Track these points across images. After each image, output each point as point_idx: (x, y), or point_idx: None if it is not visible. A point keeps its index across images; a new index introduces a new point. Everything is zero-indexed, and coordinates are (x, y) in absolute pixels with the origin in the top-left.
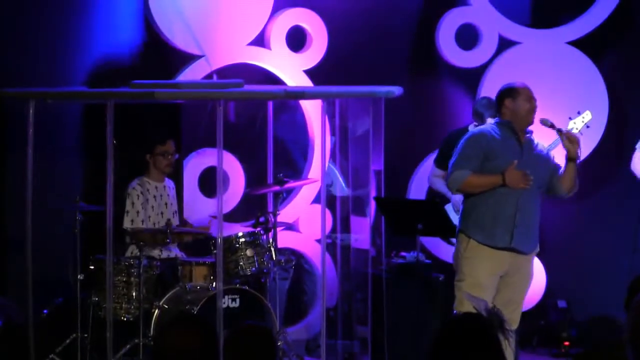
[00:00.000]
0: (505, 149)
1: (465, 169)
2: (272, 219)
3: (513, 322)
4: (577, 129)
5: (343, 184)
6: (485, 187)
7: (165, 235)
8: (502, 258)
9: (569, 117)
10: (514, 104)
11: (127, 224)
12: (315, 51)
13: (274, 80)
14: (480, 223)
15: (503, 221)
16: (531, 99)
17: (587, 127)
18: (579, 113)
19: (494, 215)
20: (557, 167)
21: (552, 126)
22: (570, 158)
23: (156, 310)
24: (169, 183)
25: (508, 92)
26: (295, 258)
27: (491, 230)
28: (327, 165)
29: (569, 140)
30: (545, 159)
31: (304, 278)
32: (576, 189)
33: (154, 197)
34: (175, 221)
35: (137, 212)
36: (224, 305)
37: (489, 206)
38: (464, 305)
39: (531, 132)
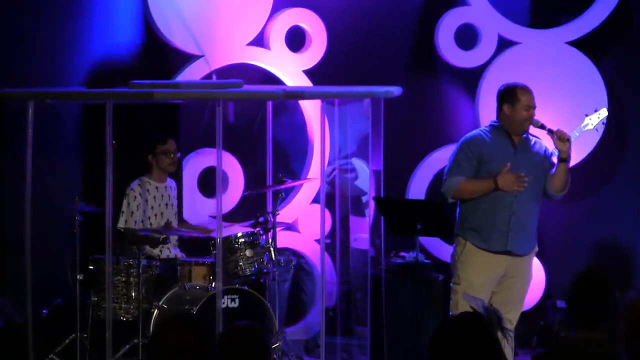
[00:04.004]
0: (498, 152)
1: (458, 175)
2: (272, 219)
3: (510, 322)
4: (592, 124)
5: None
6: (478, 192)
7: (159, 234)
8: (498, 261)
9: (585, 113)
10: (511, 110)
11: (121, 224)
12: (315, 51)
13: (274, 80)
14: (476, 227)
15: (498, 225)
16: (530, 108)
17: (603, 123)
18: (595, 110)
19: (490, 219)
20: (552, 166)
21: (542, 127)
22: (561, 158)
23: (155, 310)
24: (171, 183)
25: (508, 97)
26: (295, 259)
27: (487, 235)
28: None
29: (560, 140)
30: (542, 158)
31: (303, 278)
32: (567, 190)
33: (154, 197)
34: (175, 222)
35: (132, 212)
36: (224, 306)
37: (484, 210)
38: (459, 308)
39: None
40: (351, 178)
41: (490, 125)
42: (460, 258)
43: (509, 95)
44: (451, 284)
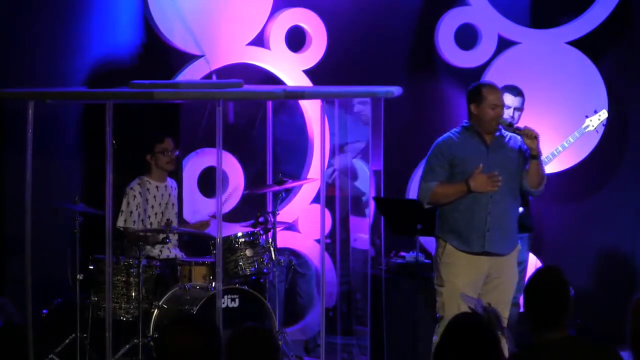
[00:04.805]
0: (470, 153)
1: (431, 181)
2: (272, 219)
3: (506, 320)
4: (593, 126)
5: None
6: (452, 196)
7: (159, 234)
8: (479, 262)
9: (585, 115)
10: (478, 110)
11: (120, 223)
12: (315, 51)
13: (274, 80)
14: (455, 229)
15: (476, 226)
16: (496, 106)
17: (604, 125)
18: (595, 111)
19: (467, 221)
20: (527, 161)
21: (510, 125)
22: (532, 155)
23: (155, 310)
24: (172, 183)
25: (474, 96)
26: (294, 259)
27: (466, 236)
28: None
29: (528, 137)
30: (517, 154)
31: (297, 280)
32: (543, 185)
33: (154, 196)
34: (176, 221)
35: (131, 212)
36: (224, 305)
37: (462, 212)
38: (445, 310)
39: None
40: (350, 179)
41: (462, 127)
42: (442, 260)
43: (475, 94)
44: (435, 286)
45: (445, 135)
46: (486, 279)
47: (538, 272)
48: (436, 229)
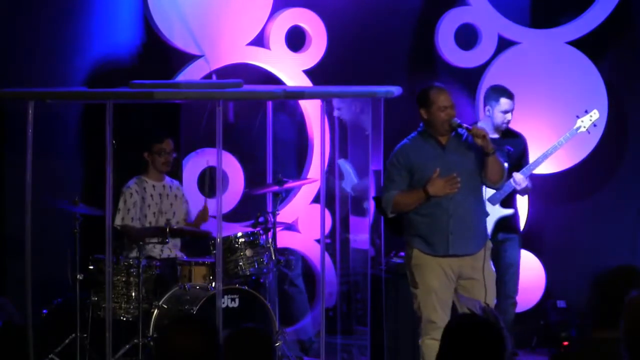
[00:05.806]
0: (427, 157)
1: (391, 190)
2: (272, 219)
3: None
4: (584, 127)
5: (355, 179)
6: (413, 204)
7: (158, 233)
8: (448, 263)
9: (577, 115)
10: (428, 114)
11: (117, 222)
12: (315, 51)
13: (274, 80)
14: (419, 234)
15: (439, 230)
16: (446, 108)
17: (595, 125)
18: (586, 112)
19: (430, 226)
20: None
21: (460, 125)
22: (485, 153)
23: (155, 310)
24: (171, 182)
25: (423, 101)
26: (294, 258)
27: (430, 241)
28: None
29: (477, 136)
30: (476, 151)
31: (301, 278)
32: (503, 179)
33: (151, 195)
34: (175, 220)
35: (128, 210)
36: (224, 306)
37: (424, 216)
38: (422, 311)
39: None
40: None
41: (417, 132)
42: (413, 262)
43: (423, 99)
44: (410, 288)
45: (401, 142)
46: (459, 279)
47: (613, 270)
48: (404, 232)
